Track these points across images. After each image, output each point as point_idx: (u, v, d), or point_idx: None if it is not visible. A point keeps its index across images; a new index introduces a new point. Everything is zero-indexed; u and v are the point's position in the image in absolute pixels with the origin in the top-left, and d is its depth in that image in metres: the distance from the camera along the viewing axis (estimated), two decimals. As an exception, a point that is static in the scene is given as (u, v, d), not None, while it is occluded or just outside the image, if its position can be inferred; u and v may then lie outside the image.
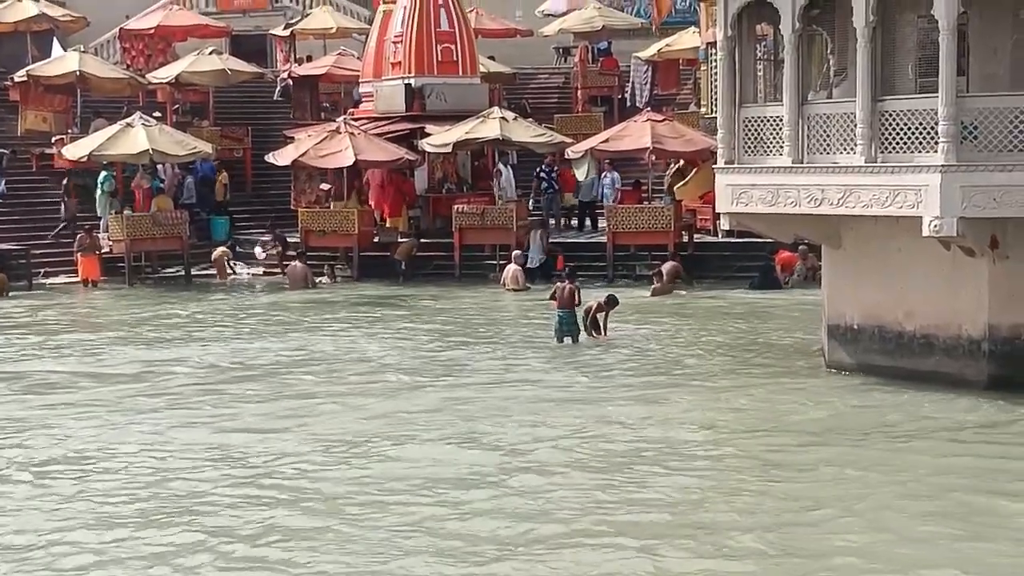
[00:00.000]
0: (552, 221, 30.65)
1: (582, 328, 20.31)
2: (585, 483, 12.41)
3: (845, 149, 16.33)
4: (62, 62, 35.02)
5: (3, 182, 32.11)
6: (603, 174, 30.33)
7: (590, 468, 13.03)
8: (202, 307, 25.72)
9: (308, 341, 21.26)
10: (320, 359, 19.58)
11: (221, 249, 30.36)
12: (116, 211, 29.70)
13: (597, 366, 18.67)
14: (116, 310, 25.85)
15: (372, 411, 15.87)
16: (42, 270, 29.48)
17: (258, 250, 30.88)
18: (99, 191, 30.65)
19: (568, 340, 20.21)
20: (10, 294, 27.20)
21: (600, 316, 20.45)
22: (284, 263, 29.40)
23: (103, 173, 30.55)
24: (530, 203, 30.97)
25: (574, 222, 31.65)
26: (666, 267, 26.45)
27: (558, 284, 20.93)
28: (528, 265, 27.76)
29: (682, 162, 29.39)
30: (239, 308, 25.66)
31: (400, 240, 29.63)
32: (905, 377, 16.61)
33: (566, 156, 29.87)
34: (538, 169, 30.92)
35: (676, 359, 19.09)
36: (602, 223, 29.34)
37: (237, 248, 31.31)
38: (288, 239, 30.27)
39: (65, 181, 31.37)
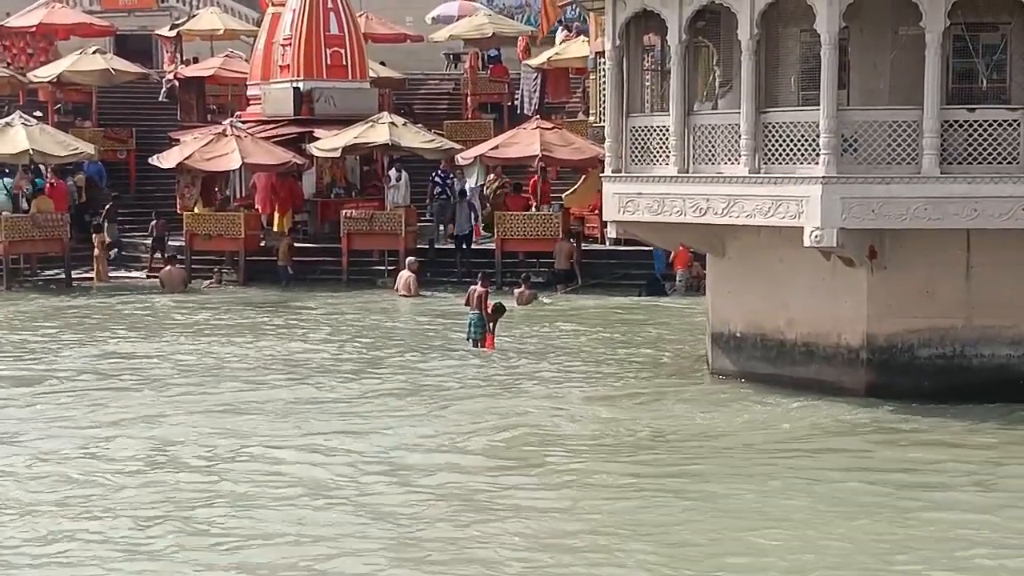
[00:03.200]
0: (442, 228, 30.64)
1: (476, 337, 20.39)
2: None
3: (729, 160, 16.61)
4: (-61, 59, 34.34)
5: None
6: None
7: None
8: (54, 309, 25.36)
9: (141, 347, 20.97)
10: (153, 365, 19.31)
11: (98, 240, 29.73)
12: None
13: (477, 373, 18.73)
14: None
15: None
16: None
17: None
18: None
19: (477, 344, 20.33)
20: None
21: (489, 325, 20.55)
22: (158, 264, 29.05)
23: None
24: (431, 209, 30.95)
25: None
26: (562, 247, 27.16)
27: (471, 287, 21.06)
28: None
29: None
30: (93, 312, 25.21)
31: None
32: (786, 384, 16.91)
33: (456, 162, 29.97)
34: (433, 174, 30.88)
35: (560, 366, 19.20)
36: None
37: (121, 252, 30.88)
38: (167, 237, 30.13)
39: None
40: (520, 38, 39.51)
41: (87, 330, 22.78)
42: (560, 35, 37.97)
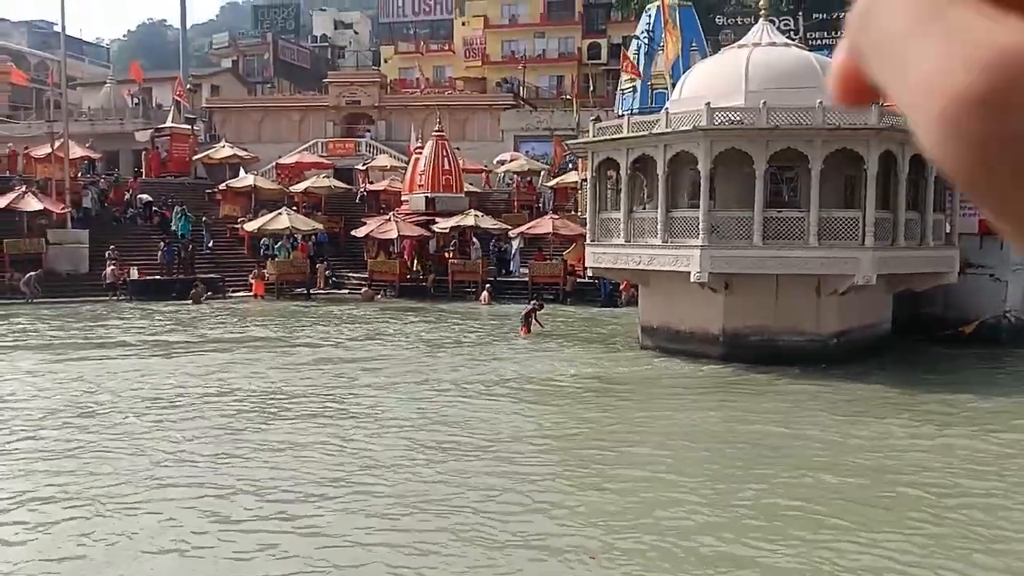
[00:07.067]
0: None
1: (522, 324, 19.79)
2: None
3: (652, 235, 16.44)
4: (244, 179, 34.61)
5: (212, 242, 31.63)
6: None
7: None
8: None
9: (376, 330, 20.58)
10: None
11: (321, 269, 29.55)
12: (278, 258, 29.12)
13: (514, 345, 18.25)
14: (267, 313, 24.67)
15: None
16: (229, 289, 28.94)
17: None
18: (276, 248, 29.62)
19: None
20: (204, 301, 26.42)
21: (533, 316, 20.05)
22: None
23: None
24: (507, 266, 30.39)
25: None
26: (568, 280, 26.67)
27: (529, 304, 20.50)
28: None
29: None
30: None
31: (422, 282, 29.38)
32: (680, 354, 16.57)
33: (508, 235, 29.86)
34: (493, 241, 30.76)
35: (558, 344, 18.66)
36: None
37: (334, 278, 30.75)
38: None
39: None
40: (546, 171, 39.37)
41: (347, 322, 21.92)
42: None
